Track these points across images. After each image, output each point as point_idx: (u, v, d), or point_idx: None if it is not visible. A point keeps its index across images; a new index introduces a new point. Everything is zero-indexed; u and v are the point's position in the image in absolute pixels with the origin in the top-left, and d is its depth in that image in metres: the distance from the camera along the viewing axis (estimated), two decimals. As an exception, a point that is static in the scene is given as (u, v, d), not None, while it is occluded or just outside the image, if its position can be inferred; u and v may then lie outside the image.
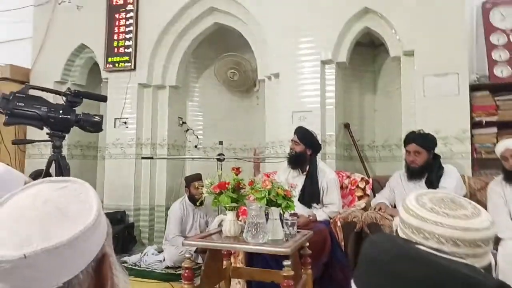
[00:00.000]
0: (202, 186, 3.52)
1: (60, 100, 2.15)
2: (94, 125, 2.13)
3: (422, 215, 0.74)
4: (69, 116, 2.09)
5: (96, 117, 2.18)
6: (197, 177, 3.67)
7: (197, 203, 2.91)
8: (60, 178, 0.63)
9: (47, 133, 2.10)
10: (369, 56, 4.25)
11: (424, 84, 3.22)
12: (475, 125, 3.13)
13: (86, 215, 0.55)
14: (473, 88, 3.15)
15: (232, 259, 2.48)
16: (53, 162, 2.11)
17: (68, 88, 2.19)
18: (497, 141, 3.04)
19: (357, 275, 0.50)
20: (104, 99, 2.32)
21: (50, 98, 2.30)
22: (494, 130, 3.09)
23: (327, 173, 2.91)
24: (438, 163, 2.78)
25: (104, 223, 0.60)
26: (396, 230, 0.82)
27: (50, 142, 2.11)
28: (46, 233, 0.50)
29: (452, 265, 0.42)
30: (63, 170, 2.01)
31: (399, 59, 3.49)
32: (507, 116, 3.05)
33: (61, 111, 2.08)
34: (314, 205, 2.86)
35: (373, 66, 4.26)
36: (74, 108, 2.15)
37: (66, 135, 2.17)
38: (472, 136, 3.12)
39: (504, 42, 3.17)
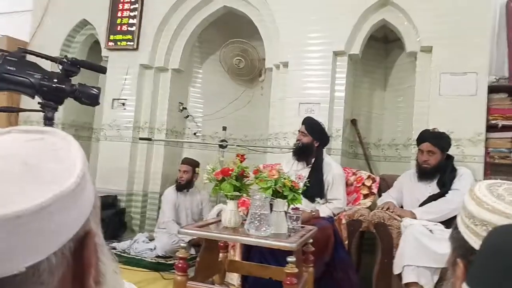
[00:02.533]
0: (185, 171, 3.42)
1: (56, 69, 1.98)
2: (90, 98, 1.96)
3: (503, 210, 0.57)
4: (64, 86, 1.91)
5: (94, 89, 2.01)
6: (183, 161, 3.57)
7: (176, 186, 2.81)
8: (35, 127, 0.46)
9: (39, 103, 1.93)
10: (381, 51, 4.09)
11: (440, 82, 3.07)
12: (490, 128, 2.99)
13: (65, 177, 0.39)
14: (492, 89, 3.00)
15: (232, 252, 2.33)
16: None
17: (65, 56, 2.02)
18: (513, 146, 2.91)
19: (486, 277, 0.34)
20: (103, 70, 2.15)
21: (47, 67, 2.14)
22: (510, 134, 2.94)
23: (333, 168, 2.77)
24: (451, 165, 2.64)
25: (90, 191, 0.43)
26: (456, 227, 0.66)
27: (41, 113, 1.94)
28: (2, 197, 0.34)
29: None
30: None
31: (415, 55, 3.34)
32: (525, 121, 2.91)
33: (55, 80, 1.91)
34: (318, 199, 2.71)
35: (385, 62, 4.10)
36: (70, 78, 1.98)
37: (60, 107, 2.00)
38: (486, 139, 2.98)
39: (527, 44, 3.03)
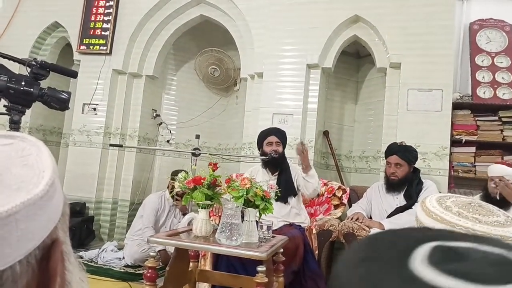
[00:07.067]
0: None
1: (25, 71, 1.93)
2: (60, 102, 1.91)
3: (449, 220, 0.62)
4: (32, 89, 1.86)
5: (64, 93, 1.96)
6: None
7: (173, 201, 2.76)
8: (4, 132, 0.45)
9: (5, 106, 1.86)
10: (353, 66, 4.22)
11: (408, 97, 3.20)
12: (454, 143, 3.13)
13: (33, 184, 0.38)
14: (456, 106, 3.15)
15: (202, 261, 2.31)
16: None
17: (34, 58, 1.96)
18: (475, 161, 3.05)
19: None
20: (73, 74, 2.10)
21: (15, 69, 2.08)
22: (472, 149, 3.10)
23: (296, 167, 2.82)
24: (418, 177, 2.73)
25: (59, 198, 0.43)
26: None
27: (7, 116, 1.87)
28: None
29: None
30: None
31: (384, 71, 3.46)
32: (486, 137, 3.07)
33: (23, 83, 1.85)
34: (290, 199, 2.71)
35: (356, 77, 4.23)
36: (39, 81, 1.93)
37: (27, 110, 1.94)
38: (450, 153, 3.12)
39: (488, 64, 3.21)
